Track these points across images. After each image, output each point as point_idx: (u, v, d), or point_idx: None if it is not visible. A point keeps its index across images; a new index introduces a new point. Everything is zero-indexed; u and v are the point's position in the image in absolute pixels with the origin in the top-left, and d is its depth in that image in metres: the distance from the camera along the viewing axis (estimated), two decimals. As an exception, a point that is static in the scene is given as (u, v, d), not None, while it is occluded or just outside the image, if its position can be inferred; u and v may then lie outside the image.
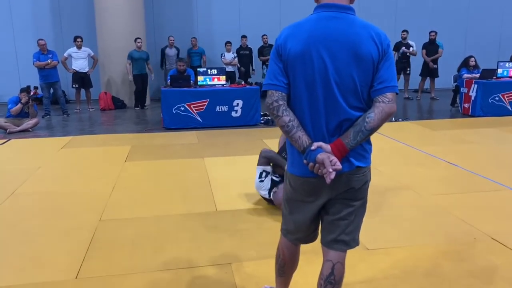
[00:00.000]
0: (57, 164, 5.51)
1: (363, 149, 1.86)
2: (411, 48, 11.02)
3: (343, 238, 1.95)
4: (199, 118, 7.90)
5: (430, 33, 11.05)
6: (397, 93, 1.80)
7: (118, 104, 10.42)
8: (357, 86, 1.76)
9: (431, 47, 10.99)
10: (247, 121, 8.09)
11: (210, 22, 12.23)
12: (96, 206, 3.98)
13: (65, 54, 9.71)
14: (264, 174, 3.91)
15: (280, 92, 1.80)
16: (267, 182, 3.86)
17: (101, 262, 2.95)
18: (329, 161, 1.68)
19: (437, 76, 11.17)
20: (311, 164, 1.74)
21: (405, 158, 5.61)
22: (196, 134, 7.34)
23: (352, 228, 1.96)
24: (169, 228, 3.52)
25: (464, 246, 3.13)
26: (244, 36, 11.33)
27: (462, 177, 4.79)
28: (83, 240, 3.28)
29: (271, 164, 3.96)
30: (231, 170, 5.09)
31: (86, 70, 9.82)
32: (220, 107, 7.98)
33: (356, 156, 1.83)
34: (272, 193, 3.81)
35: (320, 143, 1.75)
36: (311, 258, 2.76)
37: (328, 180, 1.67)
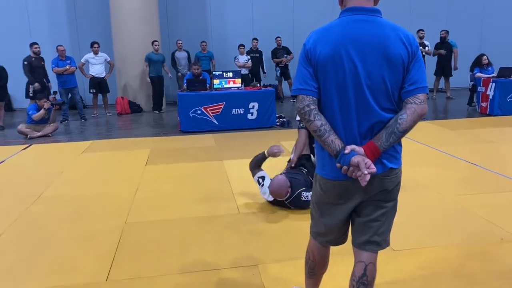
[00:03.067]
0: (80, 168, 5.60)
1: (394, 150, 1.87)
2: (426, 48, 10.94)
3: (375, 239, 1.96)
4: (215, 121, 7.96)
5: (441, 32, 10.97)
6: (427, 94, 1.82)
7: (134, 108, 10.55)
8: (388, 88, 1.78)
9: (442, 46, 10.90)
10: (263, 123, 8.12)
11: (223, 25, 12.30)
12: (121, 209, 4.05)
13: (82, 60, 9.86)
14: (260, 179, 4.04)
15: (311, 97, 1.81)
16: (267, 184, 3.95)
17: (130, 264, 3.00)
18: (364, 164, 1.69)
19: (451, 75, 11.08)
20: (345, 167, 1.75)
21: (425, 159, 5.58)
22: (213, 137, 7.39)
23: (384, 229, 1.97)
24: (194, 230, 3.56)
25: (491, 246, 3.12)
26: (255, 39, 11.34)
27: (484, 177, 4.75)
28: (110, 242, 3.34)
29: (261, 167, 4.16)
30: (250, 172, 5.10)
31: (103, 75, 9.95)
32: (236, 109, 8.03)
33: (388, 157, 1.84)
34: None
35: (353, 146, 1.76)
36: (337, 259, 2.77)
37: (364, 183, 1.68)
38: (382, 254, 2.57)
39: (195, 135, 7.62)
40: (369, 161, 1.71)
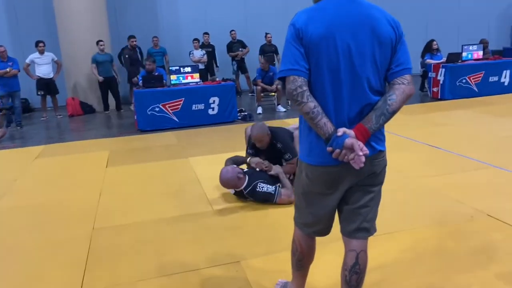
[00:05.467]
0: (35, 175, 5.26)
1: (380, 133, 1.86)
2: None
3: (364, 226, 1.95)
4: (175, 118, 7.75)
5: None
6: (412, 75, 1.81)
7: (86, 109, 10.08)
8: (378, 68, 1.76)
9: None
10: (225, 118, 8.01)
11: (175, 19, 12.00)
12: (86, 214, 3.82)
13: (27, 61, 9.25)
14: None
15: (302, 78, 1.73)
16: None
17: (104, 272, 2.82)
18: (358, 145, 1.65)
19: None
20: (337, 151, 1.69)
21: (387, 144, 5.67)
22: (174, 134, 7.19)
23: (372, 215, 1.97)
24: (168, 231, 3.42)
25: (463, 224, 3.21)
26: (206, 33, 11.13)
27: (445, 158, 4.92)
28: (80, 251, 3.14)
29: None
30: (218, 168, 4.99)
31: (51, 76, 9.42)
32: (196, 105, 7.86)
33: (376, 140, 1.84)
34: None
35: (344, 129, 1.71)
36: (321, 248, 2.75)
37: (361, 165, 1.64)
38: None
39: (154, 133, 7.38)
40: (361, 143, 1.68)
